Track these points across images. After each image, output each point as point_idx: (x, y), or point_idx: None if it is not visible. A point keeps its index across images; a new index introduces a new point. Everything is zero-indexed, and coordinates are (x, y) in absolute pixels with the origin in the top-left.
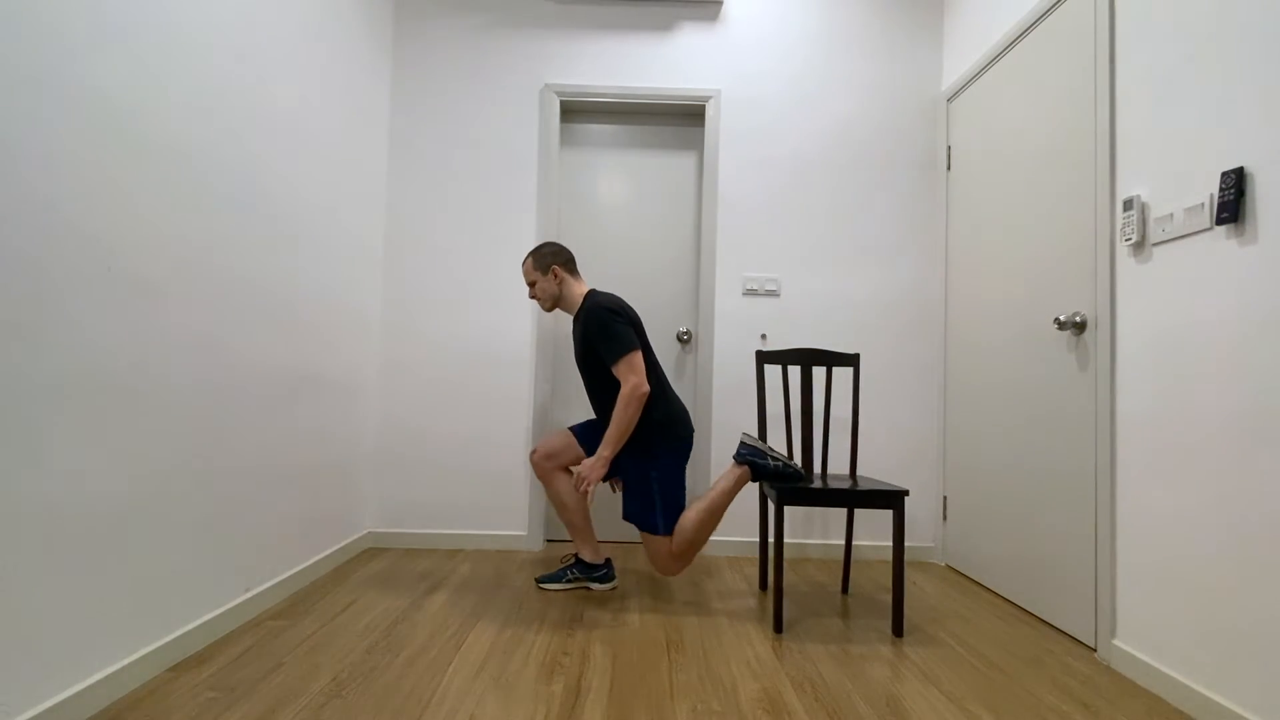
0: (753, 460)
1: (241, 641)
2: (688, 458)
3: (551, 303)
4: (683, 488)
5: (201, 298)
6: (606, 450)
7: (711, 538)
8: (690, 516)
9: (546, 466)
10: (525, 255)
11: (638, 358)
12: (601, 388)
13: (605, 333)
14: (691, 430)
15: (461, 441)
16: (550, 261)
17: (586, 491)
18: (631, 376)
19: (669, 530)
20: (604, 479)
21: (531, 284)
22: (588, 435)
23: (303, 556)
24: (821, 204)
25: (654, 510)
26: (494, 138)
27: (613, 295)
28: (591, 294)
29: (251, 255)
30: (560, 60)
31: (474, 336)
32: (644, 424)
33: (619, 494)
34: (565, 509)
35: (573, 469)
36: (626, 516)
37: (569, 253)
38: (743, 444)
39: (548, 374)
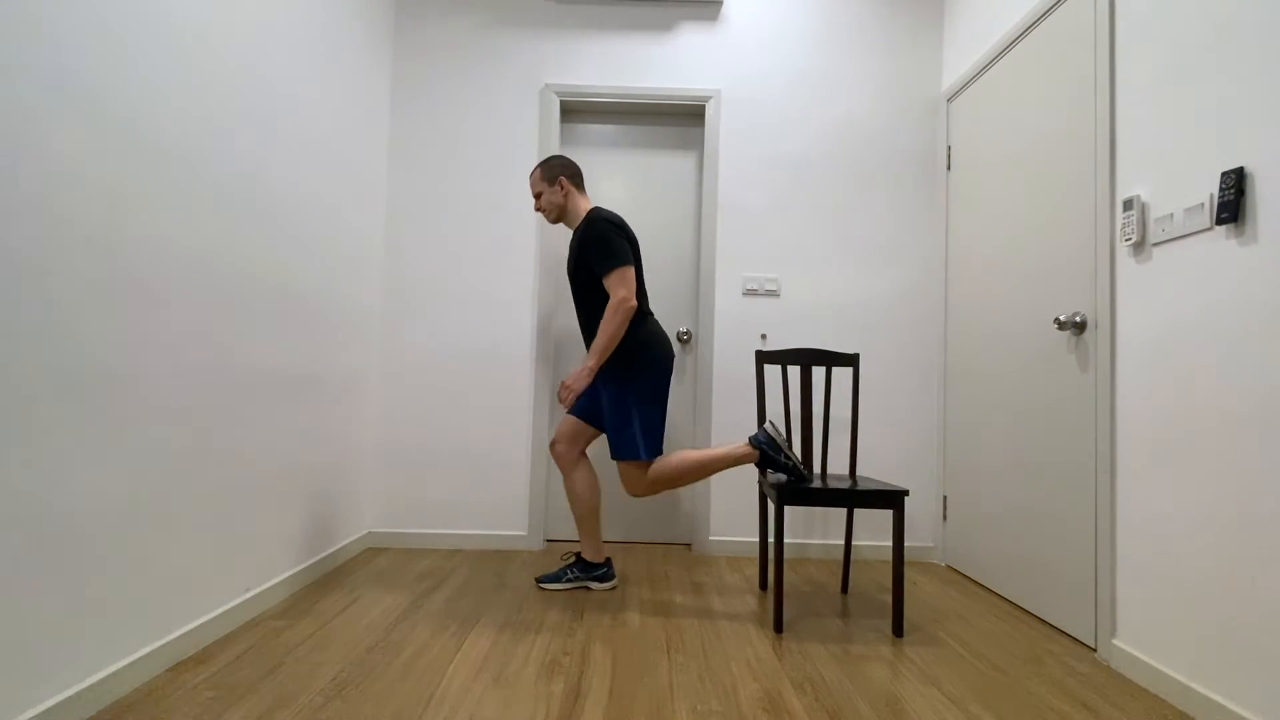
0: (766, 449)
1: (241, 641)
2: (668, 382)
3: (556, 214)
4: (663, 415)
5: (202, 298)
6: (592, 360)
7: (711, 537)
8: (680, 457)
9: (571, 455)
10: (534, 167)
11: (629, 273)
12: (590, 303)
13: (601, 243)
14: (671, 353)
15: (462, 441)
16: (558, 173)
17: (565, 400)
18: (621, 289)
19: (650, 454)
20: (592, 420)
21: (537, 195)
22: (587, 409)
23: (303, 556)
24: (822, 204)
25: (634, 434)
26: (494, 138)
27: (615, 213)
28: (595, 209)
29: (251, 255)
30: (560, 60)
31: (474, 336)
32: (625, 344)
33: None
34: (579, 502)
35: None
36: (613, 455)
37: (577, 167)
38: (764, 430)
39: (548, 374)
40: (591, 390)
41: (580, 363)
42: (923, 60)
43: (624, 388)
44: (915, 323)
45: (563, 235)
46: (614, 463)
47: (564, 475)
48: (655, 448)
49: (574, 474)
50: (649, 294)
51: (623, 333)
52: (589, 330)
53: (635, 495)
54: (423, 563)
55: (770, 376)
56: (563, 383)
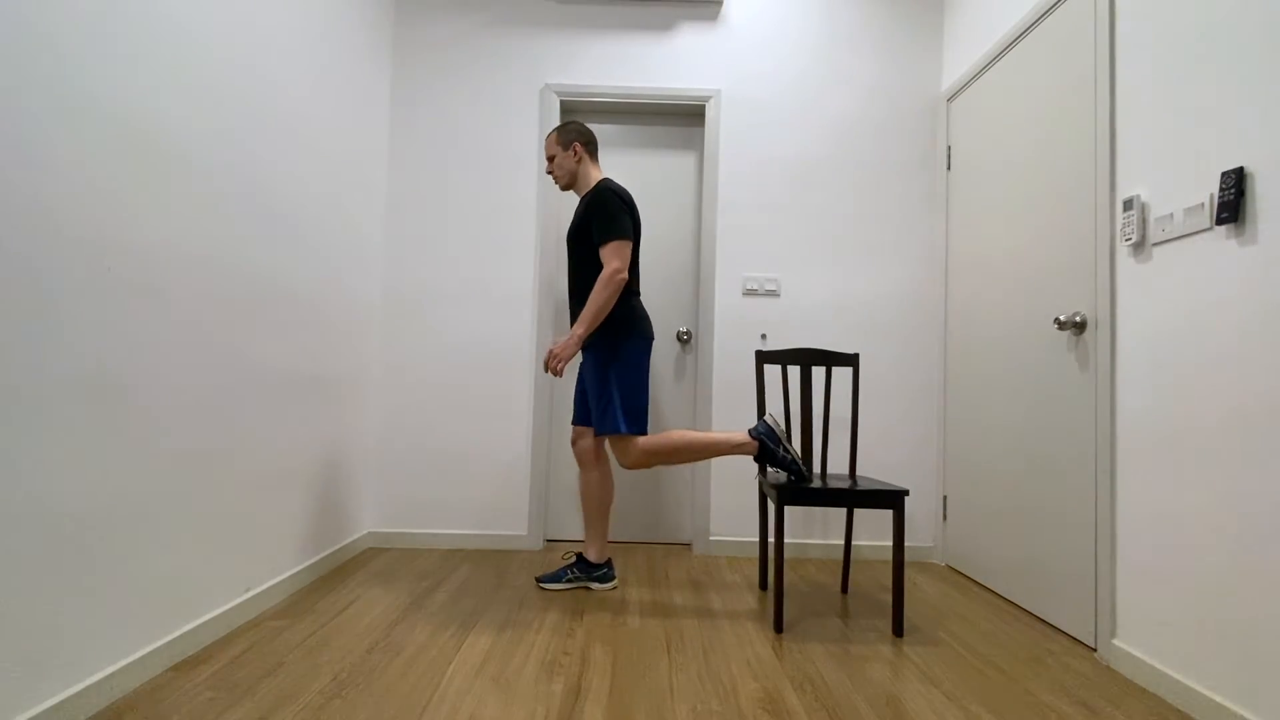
0: (765, 441)
1: (241, 641)
2: (648, 360)
3: (568, 179)
4: (645, 390)
5: (202, 298)
6: (580, 329)
7: (711, 537)
8: (679, 435)
9: (593, 453)
10: (550, 130)
11: (626, 248)
12: (583, 269)
13: (605, 212)
14: (652, 335)
15: (462, 441)
16: (573, 139)
17: (556, 370)
18: (615, 261)
19: (631, 429)
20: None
21: (551, 158)
22: (587, 415)
23: (303, 556)
24: (822, 204)
25: (615, 410)
26: (494, 138)
27: (624, 188)
28: (606, 179)
29: (252, 255)
30: (560, 60)
31: (475, 336)
32: (611, 317)
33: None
34: (590, 499)
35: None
36: (596, 431)
37: (593, 136)
38: (764, 422)
39: (548, 374)
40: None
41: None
42: (923, 60)
43: (605, 360)
44: (915, 322)
45: (563, 236)
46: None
47: (581, 470)
48: (637, 421)
49: (591, 471)
50: (654, 305)
51: (612, 304)
52: (578, 296)
53: (626, 467)
54: (423, 563)
55: (770, 376)
56: (550, 350)
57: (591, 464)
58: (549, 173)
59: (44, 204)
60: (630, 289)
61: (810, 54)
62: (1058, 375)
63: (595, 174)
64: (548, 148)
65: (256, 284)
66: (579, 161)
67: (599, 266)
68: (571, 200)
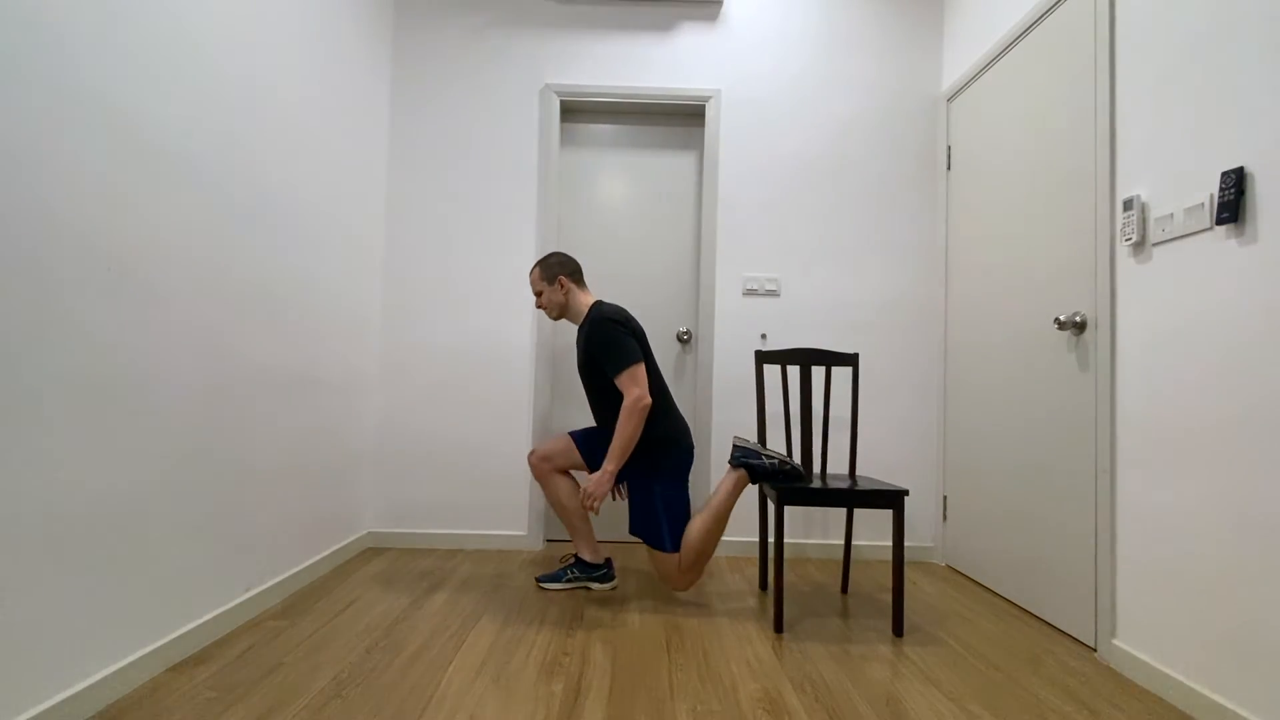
0: (747, 462)
1: (241, 641)
2: (689, 471)
3: (558, 312)
4: (687, 502)
5: (202, 298)
6: (611, 464)
7: None
8: (695, 527)
9: (544, 468)
10: (533, 265)
11: (640, 370)
12: (603, 399)
13: (608, 344)
14: (692, 445)
15: (461, 441)
16: (557, 272)
17: (593, 508)
18: (634, 389)
19: (676, 547)
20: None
21: (538, 293)
22: (588, 441)
23: (303, 556)
24: (822, 204)
25: (660, 527)
26: (494, 138)
27: (618, 307)
28: (597, 305)
29: (252, 255)
30: (560, 60)
31: (474, 336)
32: (646, 439)
33: (623, 501)
34: (564, 510)
35: (579, 479)
36: (633, 531)
37: (576, 263)
38: (735, 447)
39: (548, 374)
40: (593, 436)
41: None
42: (923, 60)
43: (648, 481)
44: (915, 322)
45: (563, 236)
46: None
47: (541, 485)
48: (679, 537)
49: (549, 483)
50: (643, 286)
51: (639, 431)
52: (604, 423)
53: (679, 589)
54: (423, 563)
55: (770, 376)
56: (584, 489)
57: (545, 477)
58: (539, 307)
59: (44, 204)
60: (657, 407)
61: (810, 54)
62: (1058, 375)
63: (586, 300)
64: (533, 284)
65: (256, 284)
66: (566, 293)
67: (617, 393)
68: (573, 207)
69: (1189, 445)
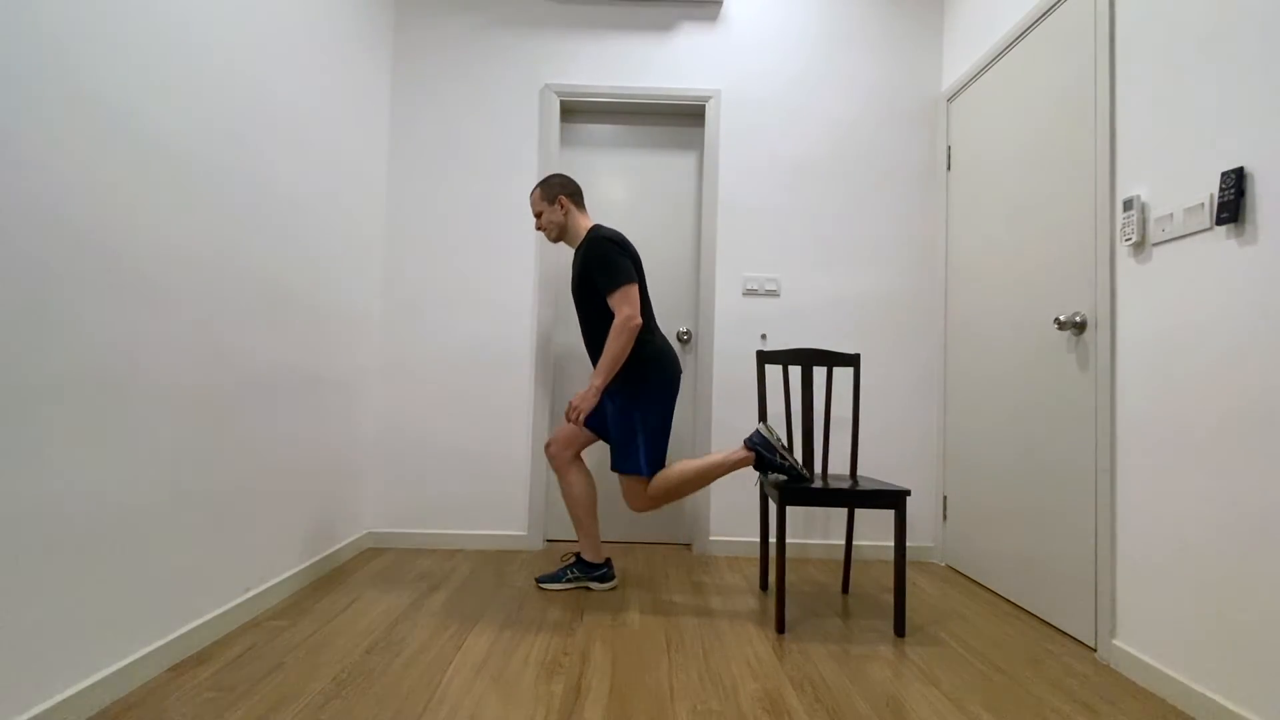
0: (760, 451)
1: (241, 641)
2: (674, 398)
3: (557, 232)
4: (667, 431)
5: (202, 298)
6: (598, 380)
7: (711, 537)
8: (679, 469)
9: (565, 456)
10: (534, 186)
11: (633, 291)
12: (595, 323)
13: (604, 262)
14: (679, 370)
15: (461, 441)
16: (558, 192)
17: (577, 421)
18: (625, 307)
19: (651, 472)
20: (594, 427)
21: (538, 214)
22: (592, 420)
23: (303, 556)
24: (822, 204)
25: (637, 451)
26: (494, 138)
27: (616, 230)
28: (596, 227)
29: (252, 255)
30: (560, 60)
31: (474, 336)
32: (631, 360)
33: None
34: (576, 504)
35: (576, 424)
36: (614, 466)
37: (576, 185)
38: (758, 432)
39: (548, 374)
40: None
41: (582, 366)
42: (923, 60)
43: (630, 403)
44: (915, 322)
45: None
46: (614, 474)
47: (558, 477)
48: (657, 464)
49: (568, 475)
50: (654, 305)
51: (628, 351)
52: (594, 347)
53: (637, 510)
54: (423, 563)
55: (771, 376)
56: (570, 403)
57: (565, 468)
58: (538, 229)
59: (44, 204)
60: (646, 328)
61: (810, 54)
62: (1058, 375)
63: (585, 222)
64: (533, 204)
65: (257, 284)
66: (566, 214)
67: (609, 316)
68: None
69: (1189, 445)
